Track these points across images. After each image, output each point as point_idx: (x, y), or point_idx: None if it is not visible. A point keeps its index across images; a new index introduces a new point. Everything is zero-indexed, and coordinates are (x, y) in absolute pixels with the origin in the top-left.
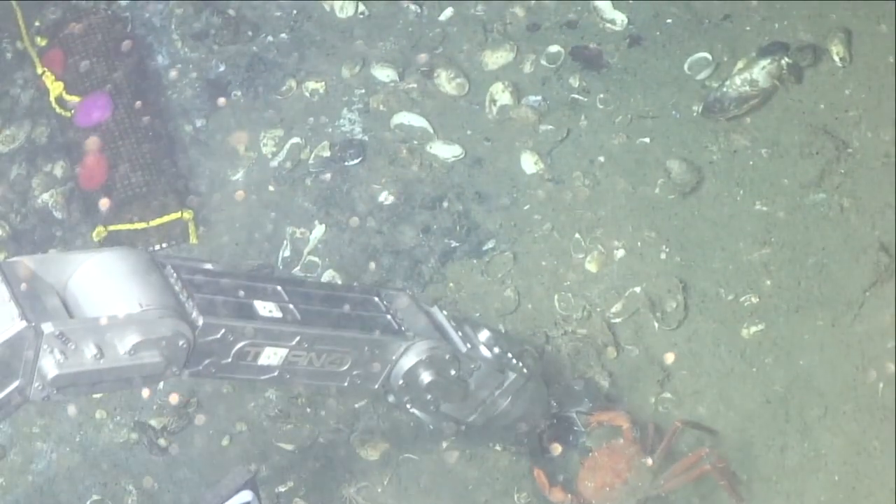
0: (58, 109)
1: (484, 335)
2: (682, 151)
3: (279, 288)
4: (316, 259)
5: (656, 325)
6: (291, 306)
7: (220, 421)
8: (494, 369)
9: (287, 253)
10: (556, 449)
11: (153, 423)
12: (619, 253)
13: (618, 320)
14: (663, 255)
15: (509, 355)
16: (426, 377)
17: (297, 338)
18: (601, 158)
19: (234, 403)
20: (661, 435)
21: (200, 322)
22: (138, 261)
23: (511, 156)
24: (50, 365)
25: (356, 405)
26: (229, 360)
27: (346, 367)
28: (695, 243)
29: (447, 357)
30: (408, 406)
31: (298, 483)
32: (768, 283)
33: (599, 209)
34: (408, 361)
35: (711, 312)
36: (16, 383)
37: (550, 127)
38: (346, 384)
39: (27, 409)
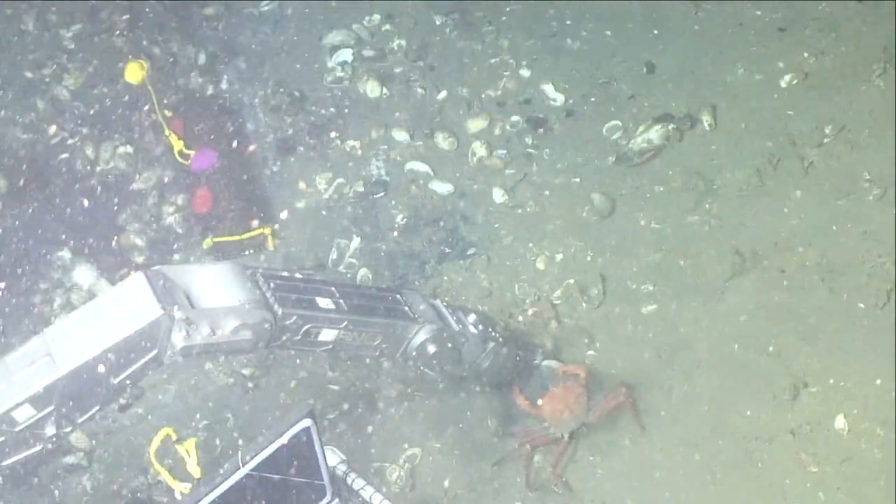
0: (179, 159)
1: (471, 318)
2: (601, 187)
3: (333, 288)
4: (354, 261)
5: (584, 305)
6: (341, 301)
7: (289, 371)
8: (479, 341)
9: (334, 257)
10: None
11: (244, 371)
12: (559, 256)
13: (558, 302)
14: (589, 258)
15: (489, 330)
16: (431, 349)
17: (345, 322)
18: (547, 192)
19: (298, 359)
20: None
21: (279, 312)
22: (238, 270)
23: (486, 190)
24: (178, 339)
25: (381, 360)
26: (299, 337)
27: (377, 342)
28: (610, 250)
29: (445, 335)
30: (420, 367)
31: (342, 414)
32: (660, 276)
33: (546, 226)
34: (419, 339)
35: (621, 297)
36: (154, 352)
37: (513, 171)
38: (377, 354)
39: None
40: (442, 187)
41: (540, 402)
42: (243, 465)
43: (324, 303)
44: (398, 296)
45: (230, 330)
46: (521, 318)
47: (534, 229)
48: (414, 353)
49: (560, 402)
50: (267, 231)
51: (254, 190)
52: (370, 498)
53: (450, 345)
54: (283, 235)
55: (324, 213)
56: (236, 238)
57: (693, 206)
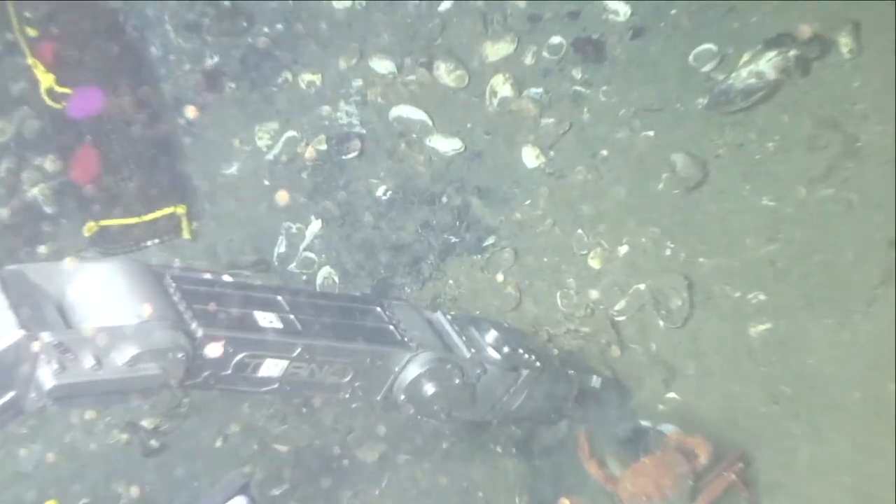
0: (48, 101)
1: (491, 336)
2: (686, 145)
3: (280, 298)
4: (312, 255)
5: (661, 323)
6: (292, 317)
7: (213, 421)
8: (505, 369)
9: (283, 249)
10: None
11: (144, 423)
12: (623, 249)
13: (622, 318)
14: (668, 252)
15: (520, 351)
16: (429, 389)
17: (298, 349)
18: (604, 152)
19: (228, 403)
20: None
21: (200, 333)
22: (137, 271)
23: (512, 149)
24: (47, 375)
25: (353, 405)
26: (229, 371)
27: (347, 379)
28: (700, 239)
29: (449, 367)
30: (416, 415)
31: (294, 486)
32: (775, 280)
33: (602, 204)
34: (410, 373)
35: (717, 310)
36: (12, 394)
37: (552, 120)
38: (347, 396)
39: None
40: (445, 144)
41: (619, 472)
42: None
43: (266, 319)
44: (378, 308)
45: (125, 361)
46: (563, 340)
47: (584, 208)
48: (403, 397)
49: (650, 481)
50: (180, 211)
51: (161, 148)
52: None
53: (457, 380)
54: (204, 216)
55: (267, 182)
56: (133, 221)
57: (825, 173)
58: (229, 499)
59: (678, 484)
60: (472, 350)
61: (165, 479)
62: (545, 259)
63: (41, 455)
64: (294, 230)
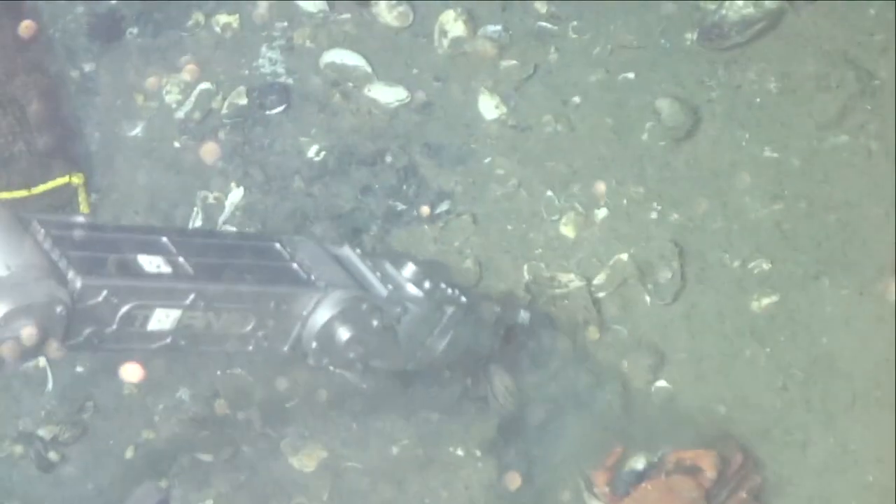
0: None
1: (409, 270)
2: (673, 88)
3: (166, 239)
4: (233, 228)
5: (648, 298)
6: (182, 260)
7: (123, 428)
8: (428, 308)
9: (199, 222)
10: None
11: (41, 432)
12: (601, 213)
13: (602, 294)
14: (654, 215)
15: (443, 286)
16: (343, 333)
17: (191, 296)
18: (576, 99)
19: (139, 407)
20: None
21: (78, 283)
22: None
23: (467, 98)
24: None
25: (287, 405)
26: (114, 327)
27: (249, 328)
28: (692, 199)
29: (365, 307)
30: (329, 367)
31: (219, 500)
32: (781, 245)
33: (575, 161)
34: (320, 317)
35: (714, 282)
36: None
37: (514, 62)
38: (251, 348)
39: None
40: (388, 94)
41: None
42: None
43: (152, 264)
44: (277, 245)
45: None
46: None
47: (554, 167)
48: (314, 345)
49: None
50: (76, 181)
51: (52, 107)
52: None
53: (375, 322)
54: (105, 186)
55: (177, 144)
56: (21, 194)
57: (837, 117)
58: None
59: None
60: (390, 287)
61: (68, 496)
62: (509, 227)
63: None
64: (211, 200)
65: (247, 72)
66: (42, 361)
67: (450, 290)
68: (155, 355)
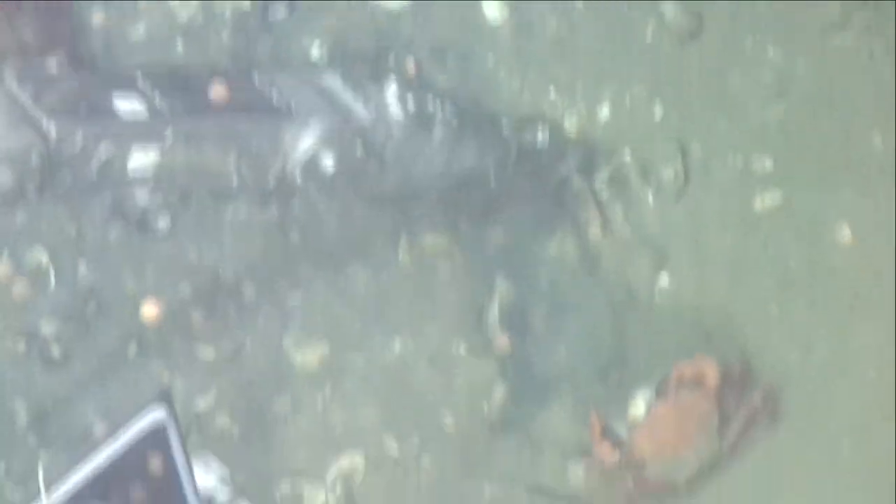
0: None
1: (392, 90)
2: None
3: (140, 80)
4: None
5: (651, 197)
6: (157, 99)
7: (125, 324)
8: (414, 129)
9: None
10: None
11: (44, 329)
12: (604, 112)
13: (605, 192)
14: (657, 115)
15: (431, 105)
16: (328, 165)
17: (169, 133)
18: (579, 3)
19: (142, 302)
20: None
21: (54, 130)
22: None
23: (470, 2)
24: None
25: (289, 301)
26: (93, 172)
27: (231, 164)
28: (696, 99)
29: (348, 136)
30: (319, 199)
31: (222, 396)
32: (785, 145)
33: (578, 60)
34: (303, 147)
35: (716, 181)
36: None
37: None
38: (234, 184)
39: None
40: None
41: (631, 435)
42: (46, 498)
43: (127, 105)
44: (254, 77)
45: None
46: None
47: (557, 66)
48: (299, 178)
49: (671, 432)
50: None
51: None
52: None
53: (361, 149)
54: None
55: (180, 48)
56: None
57: (842, 18)
58: (146, 412)
59: (704, 425)
60: (373, 111)
61: (71, 392)
62: None
63: None
64: None
65: None
66: (45, 259)
67: (440, 110)
68: (136, 199)
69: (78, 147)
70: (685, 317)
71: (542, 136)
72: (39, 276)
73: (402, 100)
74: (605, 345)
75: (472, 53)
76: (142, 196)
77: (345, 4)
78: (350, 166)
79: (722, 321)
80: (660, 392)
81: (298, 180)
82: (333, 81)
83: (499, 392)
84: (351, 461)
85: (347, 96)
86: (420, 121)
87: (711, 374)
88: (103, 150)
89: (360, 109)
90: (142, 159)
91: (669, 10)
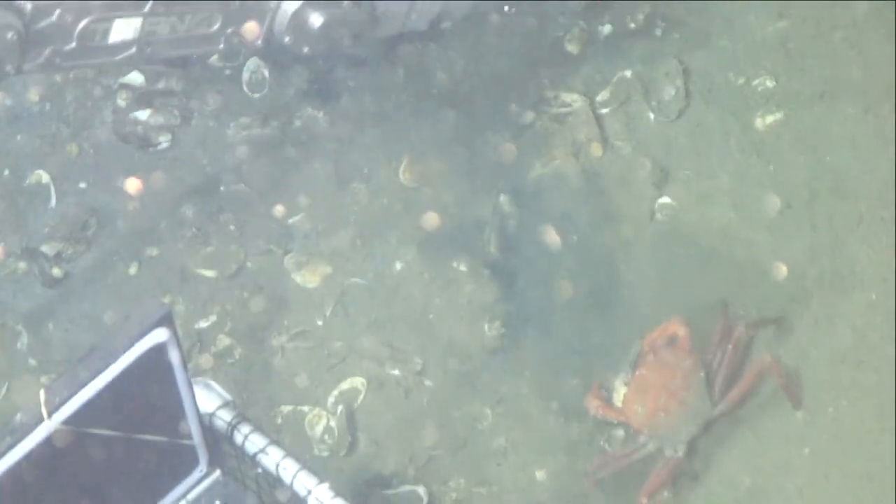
0: None
1: None
2: None
3: None
4: None
5: (651, 115)
6: None
7: (126, 244)
8: None
9: None
10: None
11: (45, 249)
12: (606, 29)
13: (605, 111)
14: (658, 32)
15: None
16: (316, 20)
17: (149, 2)
18: None
19: (143, 223)
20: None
21: (28, 5)
22: None
23: None
24: None
25: (290, 221)
26: (74, 44)
27: (216, 27)
28: (696, 17)
29: None
30: (311, 56)
31: (223, 317)
32: (787, 63)
33: None
34: (289, 4)
35: (718, 99)
36: None
37: None
38: (222, 46)
39: None
40: None
41: (621, 400)
42: (49, 415)
43: None
44: None
45: None
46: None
47: None
48: (288, 38)
49: (657, 393)
50: None
51: None
52: (277, 468)
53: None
54: None
55: None
56: None
57: None
58: (147, 332)
59: (694, 383)
60: None
61: (72, 312)
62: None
63: None
64: None
65: None
66: (45, 177)
67: None
68: (119, 66)
69: (57, 21)
70: (685, 235)
71: None
72: (40, 194)
73: None
74: (605, 263)
75: None
76: (142, 114)
77: None
78: (337, 18)
79: (722, 240)
80: (635, 364)
81: (286, 39)
82: None
83: (498, 311)
84: (352, 382)
85: None
86: None
87: (680, 329)
88: (83, 24)
89: None
90: (124, 29)
91: None
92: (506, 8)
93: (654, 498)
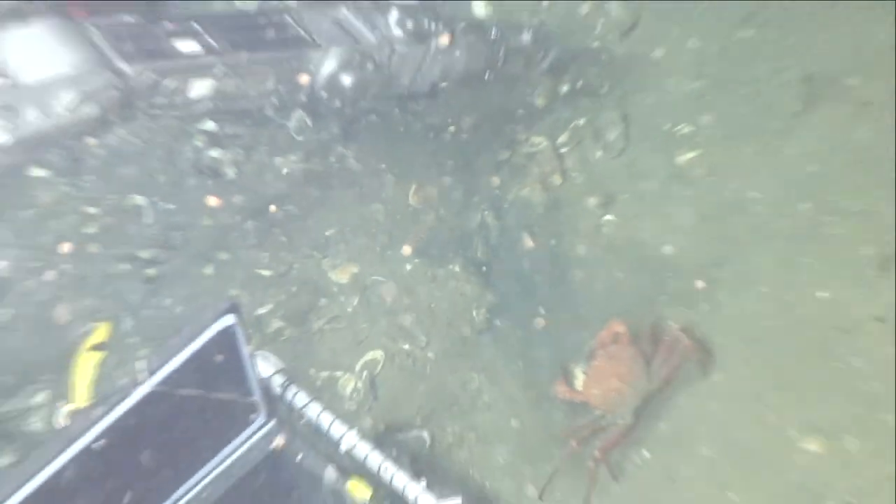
0: None
1: (393, 16)
2: None
3: (195, 24)
4: None
5: (599, 153)
6: (209, 38)
7: (203, 251)
8: (412, 44)
9: None
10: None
11: (142, 254)
12: (565, 88)
13: (564, 150)
14: (604, 90)
15: (425, 23)
16: (346, 80)
17: (220, 66)
18: (545, 3)
19: (215, 235)
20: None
21: (128, 70)
22: (62, 26)
23: (463, 2)
24: (1, 133)
25: (326, 233)
26: (162, 99)
27: (270, 85)
28: (633, 78)
29: (359, 56)
30: (342, 108)
31: (276, 306)
32: (702, 112)
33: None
34: (327, 69)
35: (650, 141)
36: None
37: None
38: (274, 100)
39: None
40: None
41: (581, 385)
42: (146, 379)
43: (186, 46)
44: (286, 16)
45: (66, 107)
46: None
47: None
48: (325, 93)
49: (609, 379)
50: None
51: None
52: (317, 417)
53: (371, 65)
54: None
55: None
56: None
57: (746, 16)
58: (220, 317)
59: (635, 367)
60: (379, 34)
61: (162, 302)
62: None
63: (55, 282)
64: None
65: None
66: (141, 200)
67: (432, 27)
68: (197, 115)
69: (149, 81)
70: (624, 243)
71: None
72: (138, 213)
73: (400, 23)
74: (564, 264)
75: None
76: (214, 151)
77: None
78: (362, 80)
79: (652, 247)
80: (590, 356)
81: (323, 94)
82: (347, 13)
83: (484, 301)
84: (373, 354)
85: (359, 24)
86: (418, 37)
87: (622, 329)
88: (169, 83)
89: (367, 35)
90: (200, 87)
91: (614, 9)
92: (486, 76)
93: (607, 453)
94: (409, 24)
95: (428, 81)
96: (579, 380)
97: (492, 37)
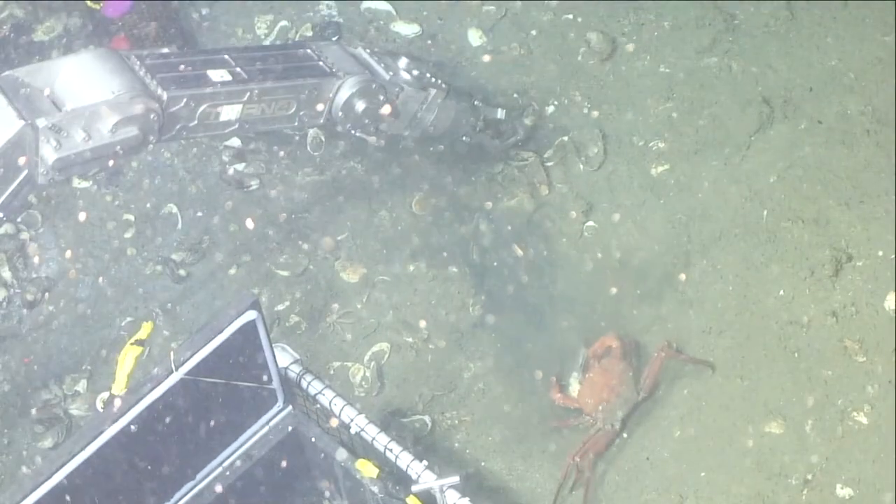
0: (90, 3)
1: (403, 62)
2: (599, 25)
3: (226, 57)
4: None
5: (581, 167)
6: (239, 69)
7: (228, 253)
8: (417, 88)
9: None
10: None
11: (174, 256)
12: (550, 109)
13: (550, 163)
14: (586, 111)
15: (428, 75)
16: (360, 105)
17: (248, 93)
18: (533, 32)
19: (239, 239)
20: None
21: (165, 96)
22: (106, 56)
23: (460, 31)
24: (49, 152)
25: (338, 238)
26: (196, 122)
27: (293, 111)
28: (611, 100)
29: (374, 87)
30: (352, 132)
31: (293, 303)
32: (672, 131)
33: (532, 74)
34: (343, 96)
35: (626, 156)
36: (24, 174)
37: (492, 7)
38: (296, 123)
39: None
40: (406, 29)
41: (575, 393)
42: (176, 368)
43: (218, 75)
44: (308, 50)
45: (109, 129)
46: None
47: (518, 78)
48: (341, 115)
49: (602, 389)
50: None
51: (179, 36)
52: (330, 403)
53: (381, 97)
54: None
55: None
56: None
57: (710, 45)
58: (242, 313)
59: (624, 379)
60: (390, 73)
61: (192, 300)
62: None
63: (93, 284)
64: None
65: (311, 13)
66: (174, 208)
67: (434, 79)
68: (225, 135)
69: (184, 107)
70: (604, 247)
71: (500, 113)
72: (171, 219)
73: (408, 69)
74: (550, 265)
75: (460, 67)
76: (239, 165)
77: (375, 33)
78: (373, 107)
79: (628, 250)
80: (584, 368)
81: (339, 115)
82: (364, 53)
83: (479, 299)
84: (380, 346)
85: (373, 62)
86: (421, 83)
87: (614, 343)
88: (203, 108)
89: (381, 71)
90: (230, 112)
91: (594, 38)
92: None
93: (585, 457)
94: (416, 71)
95: (421, 128)
96: (573, 388)
97: (473, 105)
